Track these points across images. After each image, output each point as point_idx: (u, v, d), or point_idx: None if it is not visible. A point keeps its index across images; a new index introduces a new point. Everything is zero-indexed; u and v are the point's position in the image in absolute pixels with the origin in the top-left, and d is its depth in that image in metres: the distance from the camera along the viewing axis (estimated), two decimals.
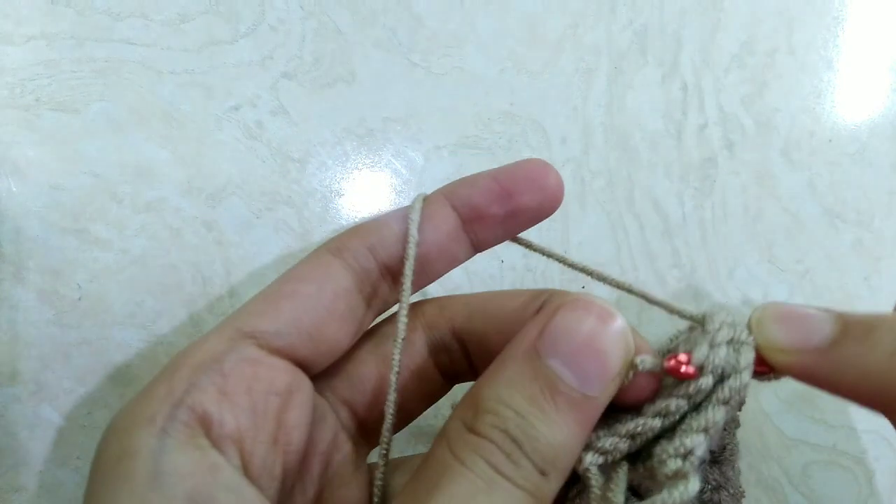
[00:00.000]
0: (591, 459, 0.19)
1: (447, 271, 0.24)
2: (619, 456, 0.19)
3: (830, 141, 0.40)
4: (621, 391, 0.19)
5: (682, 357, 0.19)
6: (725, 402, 0.18)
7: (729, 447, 0.22)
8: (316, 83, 0.36)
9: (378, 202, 0.35)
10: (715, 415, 0.18)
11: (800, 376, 0.19)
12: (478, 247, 0.24)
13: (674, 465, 0.17)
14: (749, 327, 0.20)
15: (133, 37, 0.34)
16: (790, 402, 0.37)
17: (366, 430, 0.24)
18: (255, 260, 0.33)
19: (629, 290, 0.22)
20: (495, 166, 0.37)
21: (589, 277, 0.23)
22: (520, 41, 0.38)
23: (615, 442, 0.19)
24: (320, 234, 0.34)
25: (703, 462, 0.18)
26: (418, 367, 0.24)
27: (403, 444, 0.33)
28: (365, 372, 0.24)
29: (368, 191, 0.35)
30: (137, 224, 0.31)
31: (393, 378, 0.22)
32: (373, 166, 0.35)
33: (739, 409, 0.22)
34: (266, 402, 0.20)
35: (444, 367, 0.25)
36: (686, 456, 0.17)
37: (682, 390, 0.19)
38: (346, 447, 0.23)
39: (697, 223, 0.38)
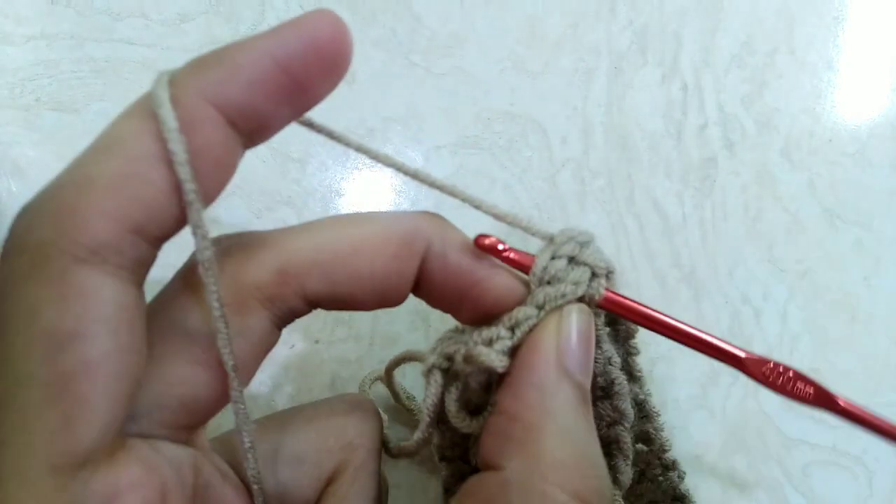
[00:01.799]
0: (435, 361, 0.21)
1: (222, 191, 0.17)
2: (469, 370, 0.20)
3: (830, 141, 0.40)
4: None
5: (493, 239, 0.20)
6: (539, 307, 0.20)
7: (617, 382, 0.22)
8: None
9: (378, 202, 0.35)
10: (520, 315, 0.19)
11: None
12: (251, 146, 0.18)
13: (475, 349, 0.19)
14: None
15: (133, 37, 0.34)
16: (790, 403, 0.37)
17: (200, 423, 0.19)
18: None
19: (444, 190, 0.21)
20: (496, 167, 0.38)
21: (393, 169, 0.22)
22: (520, 41, 0.38)
23: (458, 348, 0.20)
24: None
25: (506, 352, 0.19)
26: (262, 350, 0.19)
27: (353, 345, 0.32)
28: (193, 389, 0.18)
29: (368, 191, 0.35)
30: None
31: (239, 407, 0.18)
32: (373, 166, 0.35)
33: (630, 352, 0.24)
34: None
35: (286, 323, 0.20)
36: (490, 342, 0.19)
37: (526, 301, 0.20)
38: (204, 466, 0.19)
39: (697, 223, 0.38)
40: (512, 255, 0.21)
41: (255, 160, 0.34)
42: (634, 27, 0.39)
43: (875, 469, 0.37)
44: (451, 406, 0.21)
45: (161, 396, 0.17)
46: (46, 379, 0.14)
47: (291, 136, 0.23)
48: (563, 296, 0.20)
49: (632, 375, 0.25)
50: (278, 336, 0.20)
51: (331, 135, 0.20)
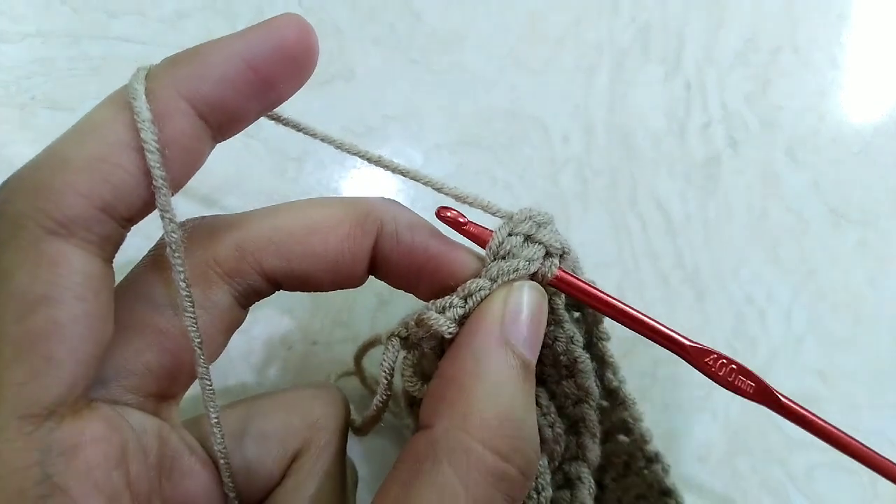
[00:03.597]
0: (395, 329, 0.22)
1: (188, 180, 0.19)
2: (420, 335, 0.21)
3: (835, 140, 0.40)
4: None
5: (454, 212, 0.21)
6: (492, 279, 0.20)
7: (581, 361, 0.23)
8: (314, 80, 0.35)
9: None
10: (473, 286, 0.20)
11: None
12: (221, 139, 0.19)
13: (427, 314, 0.20)
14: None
15: (129, 34, 0.33)
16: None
17: (170, 398, 0.21)
18: None
19: (418, 180, 0.22)
20: (496, 166, 0.37)
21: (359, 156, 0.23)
22: (521, 38, 0.38)
23: (416, 317, 0.21)
24: None
25: (459, 321, 0.20)
26: (224, 325, 0.20)
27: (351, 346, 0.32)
28: (159, 356, 0.19)
29: (367, 190, 0.35)
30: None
31: (201, 370, 0.19)
32: (370, 165, 0.35)
33: (600, 337, 0.25)
34: (114, 485, 0.17)
35: (250, 302, 0.21)
36: (443, 310, 0.20)
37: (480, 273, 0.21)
38: (171, 437, 0.20)
39: (701, 223, 0.38)
40: (471, 228, 0.22)
41: (252, 159, 0.33)
42: (637, 24, 0.39)
43: None
44: (406, 370, 0.22)
45: (127, 362, 0.19)
46: (17, 337, 0.15)
47: (289, 135, 0.22)
48: (516, 270, 0.21)
49: (603, 361, 0.25)
50: (243, 315, 0.21)
51: (297, 127, 0.21)
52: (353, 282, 0.22)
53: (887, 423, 0.37)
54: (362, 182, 0.35)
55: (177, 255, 0.18)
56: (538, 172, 0.37)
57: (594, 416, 0.24)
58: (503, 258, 0.21)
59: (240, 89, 0.17)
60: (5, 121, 0.31)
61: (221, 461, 0.20)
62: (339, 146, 0.22)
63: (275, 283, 0.21)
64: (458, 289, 0.21)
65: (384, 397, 0.22)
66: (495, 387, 0.19)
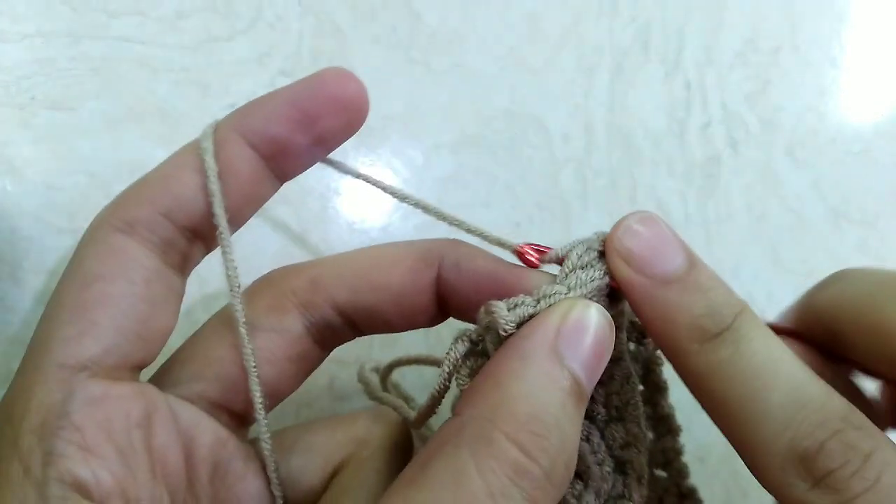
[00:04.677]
0: (470, 332, 0.21)
1: (254, 213, 0.22)
2: (483, 322, 0.20)
3: (835, 140, 0.40)
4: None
5: (530, 249, 0.22)
6: (569, 287, 0.20)
7: (632, 404, 0.22)
8: None
9: (377, 201, 0.35)
10: (548, 289, 0.20)
11: (626, 291, 0.20)
12: (284, 178, 0.22)
13: (495, 305, 0.19)
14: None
15: (129, 34, 0.33)
16: None
17: (243, 418, 0.23)
18: (252, 259, 0.32)
19: (452, 222, 0.22)
20: (496, 166, 0.37)
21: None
22: (521, 38, 0.38)
23: (487, 305, 0.20)
24: (318, 232, 0.34)
25: (519, 320, 0.19)
26: (296, 353, 0.22)
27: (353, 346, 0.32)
28: (228, 365, 0.22)
29: (367, 189, 0.35)
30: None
31: (253, 379, 0.21)
32: (371, 165, 0.35)
33: (649, 371, 0.24)
34: (131, 441, 0.18)
35: (325, 340, 0.23)
36: (514, 306, 0.19)
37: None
38: (230, 442, 0.22)
39: (701, 223, 0.38)
40: (541, 254, 0.21)
41: None
42: (637, 24, 0.39)
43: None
44: (463, 370, 0.21)
45: (200, 368, 0.22)
46: (73, 304, 0.19)
47: None
48: (593, 280, 0.20)
49: (658, 387, 0.24)
50: (317, 351, 0.23)
51: (356, 174, 0.23)
52: (423, 318, 0.23)
53: None
54: (362, 183, 0.35)
55: (236, 293, 0.21)
56: (538, 172, 0.37)
57: (642, 461, 0.23)
58: (581, 269, 0.20)
59: (284, 123, 0.20)
60: (5, 121, 0.31)
61: (269, 460, 0.22)
62: (401, 198, 0.23)
63: (346, 318, 0.23)
64: (535, 291, 0.20)
65: (442, 387, 0.21)
66: (534, 389, 0.18)
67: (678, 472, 0.26)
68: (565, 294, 0.20)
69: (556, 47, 0.38)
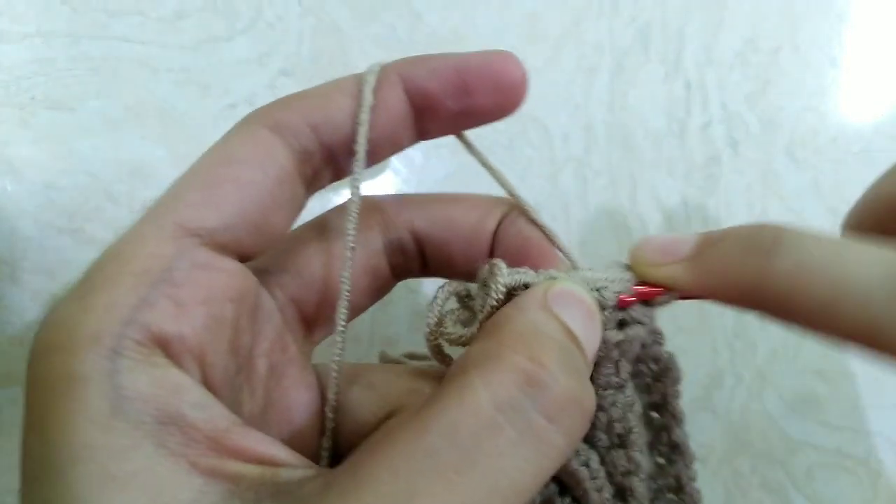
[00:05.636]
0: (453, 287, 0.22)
1: (388, 157, 0.23)
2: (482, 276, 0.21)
3: (835, 139, 0.40)
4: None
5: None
6: (582, 281, 0.20)
7: (634, 431, 0.22)
8: (314, 81, 0.35)
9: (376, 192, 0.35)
10: (553, 272, 0.20)
11: (678, 285, 0.21)
12: (422, 136, 0.22)
13: (500, 264, 0.20)
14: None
15: (129, 34, 0.33)
16: (794, 405, 0.37)
17: (310, 328, 0.23)
18: None
19: (546, 234, 0.23)
20: (497, 165, 0.37)
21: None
22: (521, 38, 0.38)
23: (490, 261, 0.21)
24: None
25: (520, 285, 0.20)
26: (371, 266, 0.24)
27: (352, 346, 0.32)
28: (314, 268, 0.23)
29: (366, 189, 0.35)
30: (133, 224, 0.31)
31: (345, 288, 0.21)
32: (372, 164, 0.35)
33: (669, 404, 0.24)
34: (222, 311, 0.19)
35: (397, 266, 0.24)
36: (517, 272, 0.20)
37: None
38: (291, 347, 0.22)
39: (701, 223, 0.38)
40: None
41: None
42: (637, 24, 0.39)
43: (879, 471, 0.37)
44: (452, 316, 0.22)
45: (285, 262, 0.23)
46: (206, 176, 0.19)
47: None
48: (607, 278, 0.21)
49: (675, 417, 0.24)
50: (388, 276, 0.24)
51: (481, 159, 0.24)
52: (478, 255, 0.24)
53: (887, 423, 0.37)
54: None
55: (353, 209, 0.22)
56: (538, 172, 0.37)
57: (643, 490, 0.23)
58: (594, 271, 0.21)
59: (443, 84, 0.21)
60: (5, 121, 0.31)
61: (332, 381, 0.22)
62: (505, 187, 0.24)
63: (419, 246, 0.24)
64: (544, 270, 0.21)
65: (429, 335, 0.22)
66: (534, 324, 0.18)
67: (690, 496, 0.26)
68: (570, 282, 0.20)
69: (556, 47, 0.38)
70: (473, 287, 0.22)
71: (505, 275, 0.20)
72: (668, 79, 0.39)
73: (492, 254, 0.24)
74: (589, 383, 0.19)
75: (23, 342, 0.30)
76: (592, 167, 0.37)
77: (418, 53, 0.39)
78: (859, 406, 0.37)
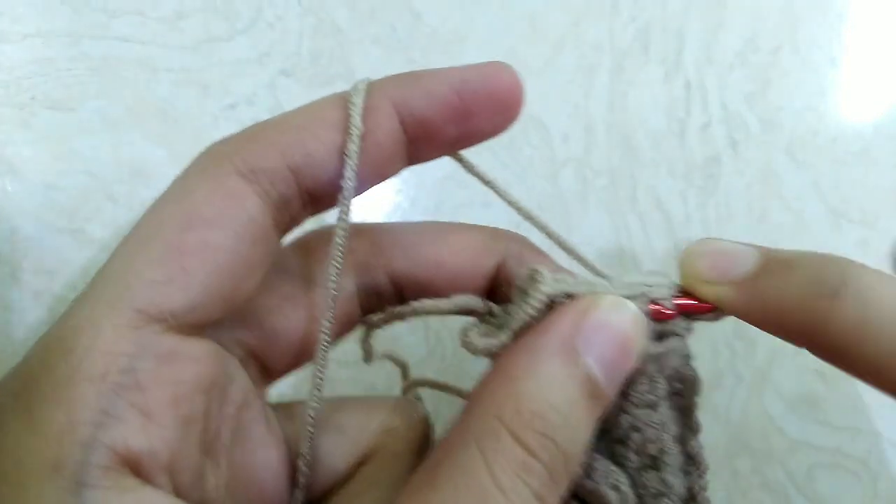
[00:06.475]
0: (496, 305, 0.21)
1: (372, 187, 0.20)
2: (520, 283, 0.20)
3: (835, 139, 0.40)
4: None
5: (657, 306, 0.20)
6: (620, 290, 0.19)
7: (668, 453, 0.21)
8: (314, 81, 0.35)
9: (376, 201, 0.35)
10: (594, 280, 0.19)
11: (727, 308, 0.19)
12: (413, 162, 0.20)
13: (540, 271, 0.19)
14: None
15: (129, 34, 0.33)
16: (794, 405, 0.37)
17: (271, 376, 0.21)
18: None
19: (558, 243, 0.22)
20: (496, 166, 0.37)
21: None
22: (520, 38, 0.38)
23: (531, 268, 0.19)
24: None
25: (556, 297, 0.19)
26: (342, 311, 0.21)
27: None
28: (276, 318, 0.20)
29: (366, 196, 0.35)
30: (133, 224, 0.31)
31: (322, 348, 0.19)
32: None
33: (688, 417, 0.23)
34: (193, 409, 0.17)
35: (369, 309, 0.22)
36: (557, 280, 0.19)
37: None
38: (255, 403, 0.20)
39: (701, 222, 0.38)
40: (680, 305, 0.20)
41: None
42: (637, 24, 0.39)
43: (879, 471, 0.37)
44: (473, 332, 0.20)
45: (244, 314, 0.20)
46: (169, 243, 0.16)
47: None
48: (647, 284, 0.19)
49: (691, 429, 0.24)
50: (358, 319, 0.22)
51: (479, 176, 0.22)
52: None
53: (887, 423, 0.37)
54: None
55: (339, 247, 0.19)
56: (538, 172, 0.37)
57: None
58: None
59: (442, 110, 0.19)
60: (5, 121, 0.31)
61: (305, 436, 0.20)
62: (525, 216, 0.22)
63: (397, 287, 0.22)
64: (584, 279, 0.19)
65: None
66: (543, 386, 0.17)
67: None
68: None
69: (556, 47, 0.38)
70: (496, 307, 0.21)
71: (548, 283, 0.18)
72: (668, 79, 0.39)
73: (492, 293, 0.22)
74: (585, 438, 0.18)
75: (24, 342, 0.30)
76: (592, 167, 0.37)
77: (418, 53, 0.39)
78: (859, 406, 0.37)
